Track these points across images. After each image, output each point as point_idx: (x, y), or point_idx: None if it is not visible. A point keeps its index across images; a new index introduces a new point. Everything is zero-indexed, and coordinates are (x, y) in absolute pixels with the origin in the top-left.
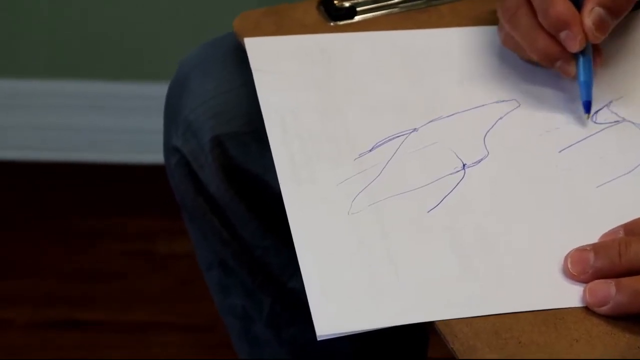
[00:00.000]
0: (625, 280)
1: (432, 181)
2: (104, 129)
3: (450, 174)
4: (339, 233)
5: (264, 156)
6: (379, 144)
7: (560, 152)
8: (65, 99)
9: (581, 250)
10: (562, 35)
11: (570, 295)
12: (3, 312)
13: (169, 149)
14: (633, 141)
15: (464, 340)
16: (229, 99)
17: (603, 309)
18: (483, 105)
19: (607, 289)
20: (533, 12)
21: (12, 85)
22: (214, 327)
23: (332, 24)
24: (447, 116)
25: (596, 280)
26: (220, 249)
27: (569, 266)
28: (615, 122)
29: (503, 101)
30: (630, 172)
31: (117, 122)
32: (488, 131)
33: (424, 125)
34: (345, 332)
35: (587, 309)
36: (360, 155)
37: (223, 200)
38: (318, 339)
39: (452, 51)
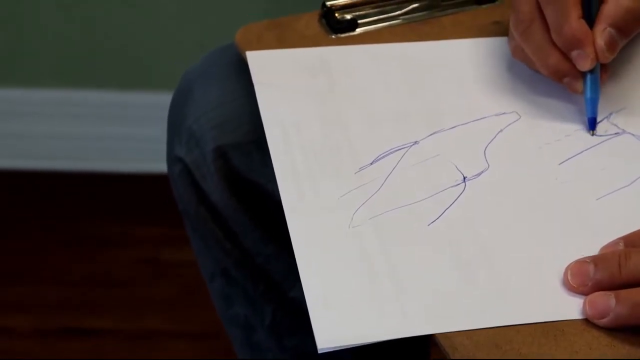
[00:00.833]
0: (625, 292)
1: (433, 194)
2: (110, 137)
3: (451, 186)
4: (339, 247)
5: (266, 166)
6: (380, 157)
7: (560, 164)
8: (71, 108)
9: (581, 262)
10: (574, 54)
11: (571, 308)
12: (9, 320)
13: (172, 158)
14: (633, 153)
15: (464, 352)
16: (232, 109)
17: (603, 321)
18: (484, 118)
19: (607, 301)
20: (546, 27)
21: (19, 94)
22: (219, 334)
23: (333, 36)
24: (449, 129)
25: (596, 293)
26: (222, 258)
27: (569, 278)
28: (615, 134)
29: (503, 113)
30: (630, 184)
31: (123, 131)
32: (489, 144)
33: (425, 138)
34: (346, 345)
35: (587, 321)
36: (361, 169)
37: (225, 209)
38: (319, 352)
39: (453, 63)
